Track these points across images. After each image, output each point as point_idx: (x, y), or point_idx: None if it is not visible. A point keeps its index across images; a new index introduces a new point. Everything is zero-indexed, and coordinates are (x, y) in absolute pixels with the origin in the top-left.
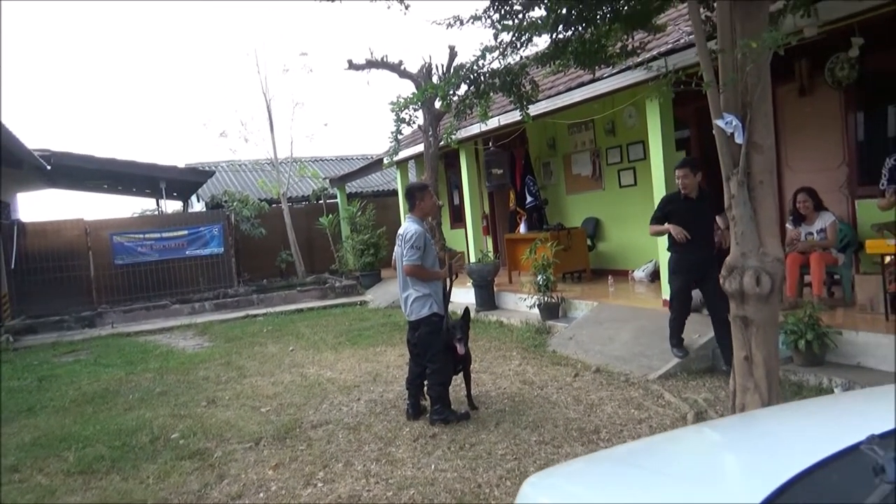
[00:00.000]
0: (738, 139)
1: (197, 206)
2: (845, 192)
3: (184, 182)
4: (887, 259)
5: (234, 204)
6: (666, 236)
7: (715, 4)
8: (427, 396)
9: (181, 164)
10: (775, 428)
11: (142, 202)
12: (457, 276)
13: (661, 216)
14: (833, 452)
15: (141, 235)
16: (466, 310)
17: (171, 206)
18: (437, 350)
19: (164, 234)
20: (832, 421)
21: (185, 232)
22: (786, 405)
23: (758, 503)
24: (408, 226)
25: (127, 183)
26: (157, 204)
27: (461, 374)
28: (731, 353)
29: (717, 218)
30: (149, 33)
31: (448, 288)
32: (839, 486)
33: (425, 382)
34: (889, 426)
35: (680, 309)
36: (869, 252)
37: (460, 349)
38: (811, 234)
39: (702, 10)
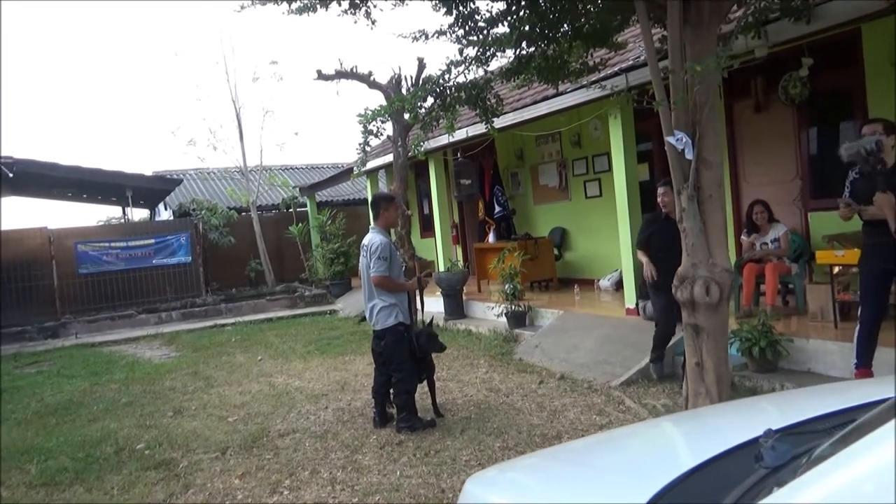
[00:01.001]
0: (688, 155)
1: (164, 214)
2: (799, 205)
3: (151, 190)
4: (836, 269)
5: (203, 212)
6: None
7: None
8: (394, 404)
9: (148, 172)
10: (696, 425)
11: (108, 210)
12: (423, 290)
13: (644, 239)
14: (735, 444)
15: (106, 244)
16: (431, 319)
17: (138, 214)
18: (403, 359)
19: (131, 243)
20: (751, 417)
21: (152, 241)
22: (717, 406)
23: (649, 497)
24: (372, 237)
25: (92, 191)
26: (124, 212)
27: (426, 383)
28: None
29: None
30: (117, 39)
31: (420, 300)
32: (731, 474)
33: (391, 391)
34: (789, 422)
35: (666, 324)
36: (819, 262)
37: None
38: (765, 243)
39: (658, 28)
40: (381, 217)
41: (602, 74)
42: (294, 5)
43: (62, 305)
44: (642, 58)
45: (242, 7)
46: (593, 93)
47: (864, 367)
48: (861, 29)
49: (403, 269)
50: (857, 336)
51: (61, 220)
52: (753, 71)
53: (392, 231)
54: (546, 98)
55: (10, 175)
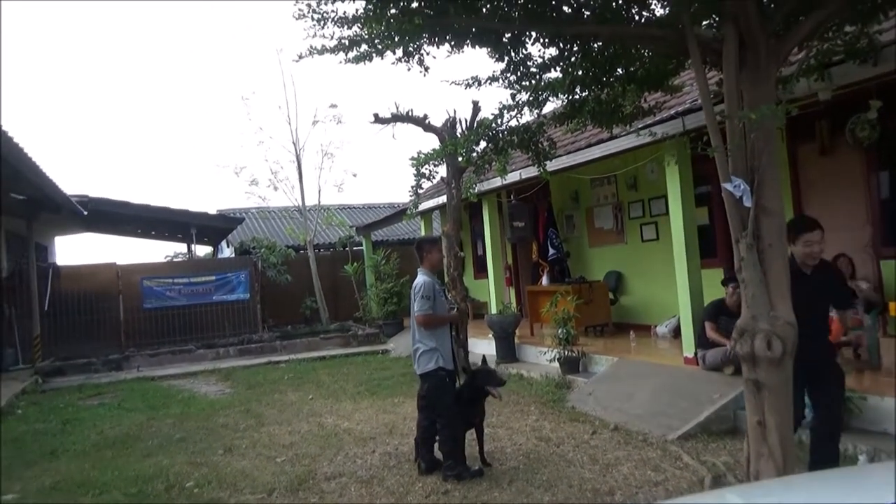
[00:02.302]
0: (746, 203)
1: (226, 251)
2: (870, 252)
3: (214, 228)
4: None
5: (262, 250)
6: None
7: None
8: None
9: (212, 211)
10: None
11: (174, 246)
12: (460, 329)
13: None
14: None
15: (170, 280)
16: (483, 358)
17: (202, 250)
18: (446, 405)
19: (193, 280)
20: (849, 495)
21: (213, 277)
22: (803, 476)
23: None
24: (418, 279)
25: (159, 228)
26: (188, 248)
27: (475, 429)
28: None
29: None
30: (185, 85)
31: (456, 340)
32: None
33: (437, 437)
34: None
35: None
36: (894, 314)
37: (499, 395)
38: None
39: (714, 71)
40: (426, 259)
41: (657, 118)
42: (350, 55)
43: (127, 339)
44: (699, 101)
45: (301, 57)
46: (647, 137)
47: None
48: None
49: (454, 310)
50: None
51: (130, 255)
52: (818, 113)
53: (445, 272)
54: (601, 141)
55: (84, 213)
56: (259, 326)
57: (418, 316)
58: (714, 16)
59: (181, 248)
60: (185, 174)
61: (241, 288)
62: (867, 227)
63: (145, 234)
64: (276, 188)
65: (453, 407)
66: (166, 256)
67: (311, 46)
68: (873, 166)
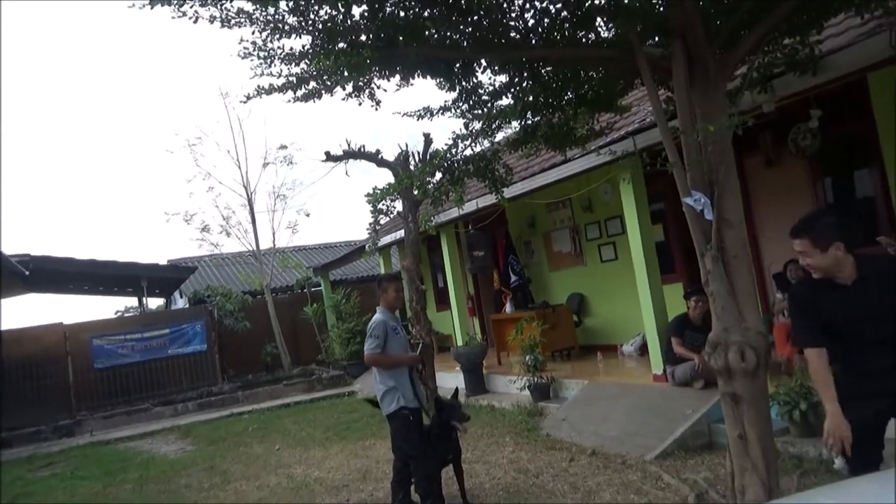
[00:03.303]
0: (708, 216)
1: (180, 301)
2: None
3: (165, 279)
4: None
5: (217, 298)
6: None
7: (673, 86)
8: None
9: (163, 261)
10: None
11: (124, 301)
12: (423, 368)
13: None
14: None
15: (122, 337)
16: (456, 389)
17: (154, 303)
18: (414, 444)
19: (146, 334)
20: None
21: (167, 330)
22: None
23: None
24: (373, 317)
25: (108, 283)
26: (140, 302)
27: (452, 467)
28: None
29: None
30: (126, 129)
31: (421, 376)
32: None
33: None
34: None
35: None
36: None
37: (462, 428)
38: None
39: (662, 91)
40: (382, 298)
41: (609, 139)
42: (299, 92)
43: (78, 402)
44: (648, 120)
45: (248, 97)
46: (602, 158)
47: None
48: (867, 77)
49: (419, 345)
50: None
51: (78, 313)
52: (761, 126)
53: (407, 306)
54: (554, 165)
55: (27, 273)
56: (218, 378)
57: (365, 356)
58: (661, 34)
59: (132, 302)
60: (132, 225)
61: (198, 339)
62: None
63: (93, 290)
64: (228, 234)
65: (423, 446)
66: (117, 312)
67: (259, 86)
68: (817, 174)
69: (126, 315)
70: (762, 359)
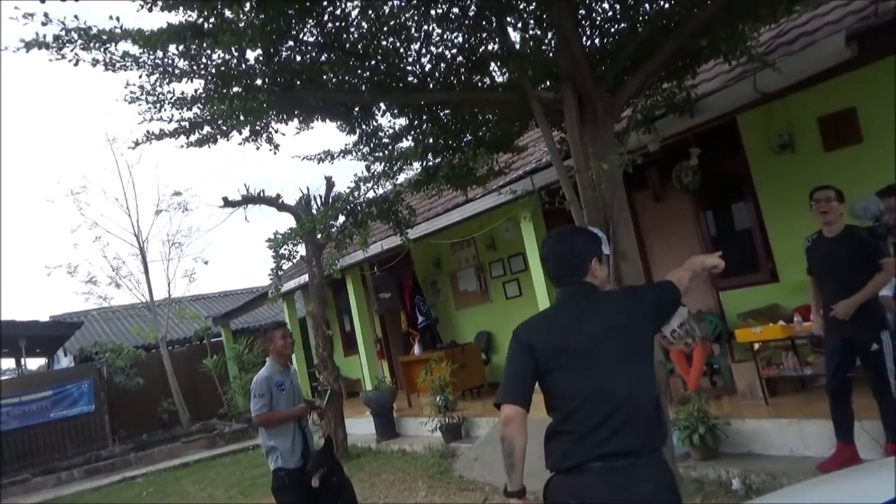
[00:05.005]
0: (606, 251)
1: (64, 360)
2: (710, 285)
3: (47, 337)
4: (757, 345)
5: (107, 355)
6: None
7: (566, 127)
8: None
9: (44, 318)
10: None
11: None
12: (323, 415)
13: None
14: None
15: None
16: (328, 439)
17: (34, 363)
18: None
19: (24, 398)
20: None
21: (49, 392)
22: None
23: None
24: (257, 374)
25: None
26: (17, 363)
27: None
28: None
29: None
30: (3, 180)
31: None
32: None
33: None
34: None
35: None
36: (740, 341)
37: (314, 482)
38: (674, 331)
39: (555, 132)
40: (270, 347)
41: (508, 178)
42: (192, 137)
43: None
44: (544, 160)
45: (137, 143)
46: (502, 196)
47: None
48: (737, 119)
49: (327, 394)
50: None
51: None
52: (648, 163)
53: (315, 353)
54: (457, 205)
55: None
56: (108, 440)
57: (254, 418)
58: (552, 78)
59: (8, 363)
60: (8, 280)
61: (84, 399)
62: None
63: None
64: (118, 285)
65: None
66: None
67: (149, 131)
68: (700, 207)
69: (2, 378)
70: (662, 386)
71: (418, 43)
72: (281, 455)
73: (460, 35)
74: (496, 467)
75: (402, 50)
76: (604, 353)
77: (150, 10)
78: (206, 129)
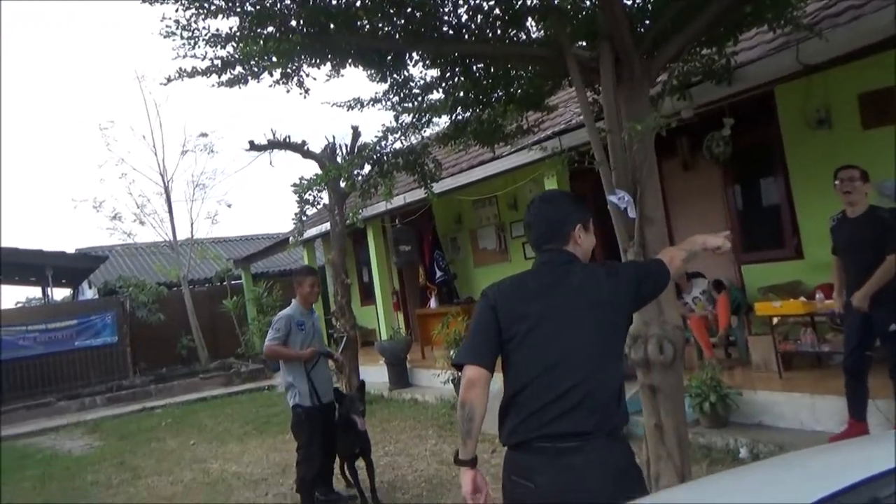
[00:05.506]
0: (631, 214)
1: (88, 292)
2: (732, 258)
3: (73, 268)
4: (775, 320)
5: (130, 290)
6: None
7: (600, 88)
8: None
9: (70, 250)
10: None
11: (27, 291)
12: (339, 362)
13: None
14: None
15: (24, 328)
16: (362, 382)
17: (60, 293)
18: (303, 443)
19: (50, 326)
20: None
21: (74, 321)
22: (713, 479)
23: None
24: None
25: (9, 271)
26: (44, 292)
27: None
28: None
29: None
30: (34, 110)
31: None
32: None
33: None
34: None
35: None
36: (759, 314)
37: (360, 423)
38: (697, 298)
39: (589, 92)
40: (298, 291)
41: (536, 137)
42: (224, 77)
43: None
44: (574, 121)
45: (169, 80)
46: (529, 155)
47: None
48: (774, 91)
49: (343, 341)
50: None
51: None
52: (679, 131)
53: (332, 300)
54: (482, 162)
55: None
56: (130, 371)
57: (265, 346)
58: (590, 37)
59: (35, 292)
60: (36, 212)
61: (108, 331)
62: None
63: None
64: (142, 223)
65: (310, 448)
66: (17, 303)
67: (181, 68)
68: (729, 179)
69: (29, 305)
70: (679, 352)
71: None
72: (298, 392)
73: None
74: None
75: None
76: (567, 327)
77: None
78: (238, 69)
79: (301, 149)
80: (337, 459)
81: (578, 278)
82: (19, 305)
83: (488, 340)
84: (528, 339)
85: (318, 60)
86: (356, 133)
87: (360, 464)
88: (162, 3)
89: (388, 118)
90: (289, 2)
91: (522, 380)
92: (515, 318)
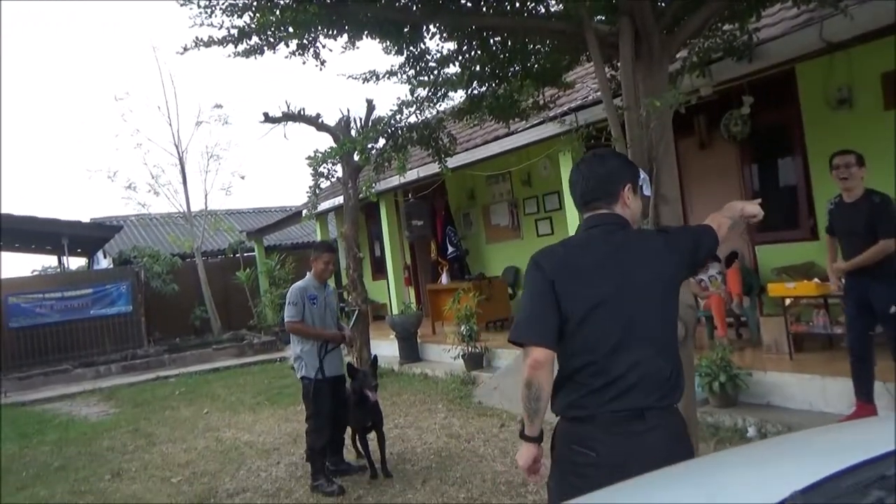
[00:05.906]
0: (647, 192)
1: (103, 262)
2: (746, 239)
3: (88, 238)
4: (788, 301)
5: (144, 260)
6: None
7: (618, 64)
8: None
9: (86, 219)
10: (699, 483)
11: (43, 259)
12: (351, 344)
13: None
14: None
15: (40, 295)
16: (374, 358)
17: (75, 263)
18: (310, 414)
19: (66, 294)
20: (763, 473)
21: (90, 290)
22: (714, 456)
23: None
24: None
25: (25, 239)
26: (60, 261)
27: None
28: None
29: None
30: (50, 81)
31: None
32: None
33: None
34: (808, 479)
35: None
36: (771, 295)
37: (372, 396)
38: (713, 276)
39: (606, 68)
40: (313, 265)
41: (552, 113)
42: (240, 47)
43: None
44: (591, 97)
45: (185, 49)
46: (544, 131)
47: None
48: (795, 69)
49: (355, 314)
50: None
51: None
52: (696, 110)
53: (344, 274)
54: (497, 138)
55: None
56: (144, 340)
57: (286, 323)
58: (609, 11)
59: (50, 261)
60: (53, 181)
61: (123, 300)
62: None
63: (8, 247)
64: (157, 193)
65: (318, 419)
66: (34, 271)
67: (197, 37)
68: (746, 159)
69: (45, 274)
70: (690, 331)
71: None
72: (306, 364)
73: None
74: (514, 397)
75: None
76: (631, 306)
77: None
78: (255, 39)
79: (315, 121)
80: (349, 431)
81: (638, 250)
82: (35, 273)
83: (550, 318)
84: (590, 318)
85: (334, 31)
86: (371, 106)
87: (371, 436)
88: None
89: (403, 91)
90: None
91: (585, 357)
92: (576, 295)
